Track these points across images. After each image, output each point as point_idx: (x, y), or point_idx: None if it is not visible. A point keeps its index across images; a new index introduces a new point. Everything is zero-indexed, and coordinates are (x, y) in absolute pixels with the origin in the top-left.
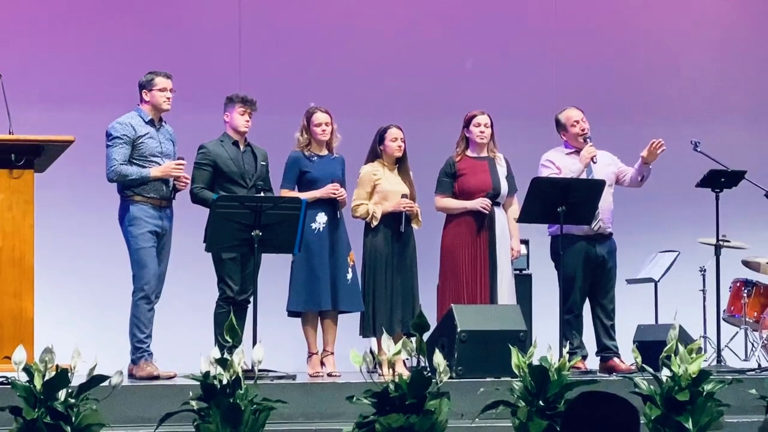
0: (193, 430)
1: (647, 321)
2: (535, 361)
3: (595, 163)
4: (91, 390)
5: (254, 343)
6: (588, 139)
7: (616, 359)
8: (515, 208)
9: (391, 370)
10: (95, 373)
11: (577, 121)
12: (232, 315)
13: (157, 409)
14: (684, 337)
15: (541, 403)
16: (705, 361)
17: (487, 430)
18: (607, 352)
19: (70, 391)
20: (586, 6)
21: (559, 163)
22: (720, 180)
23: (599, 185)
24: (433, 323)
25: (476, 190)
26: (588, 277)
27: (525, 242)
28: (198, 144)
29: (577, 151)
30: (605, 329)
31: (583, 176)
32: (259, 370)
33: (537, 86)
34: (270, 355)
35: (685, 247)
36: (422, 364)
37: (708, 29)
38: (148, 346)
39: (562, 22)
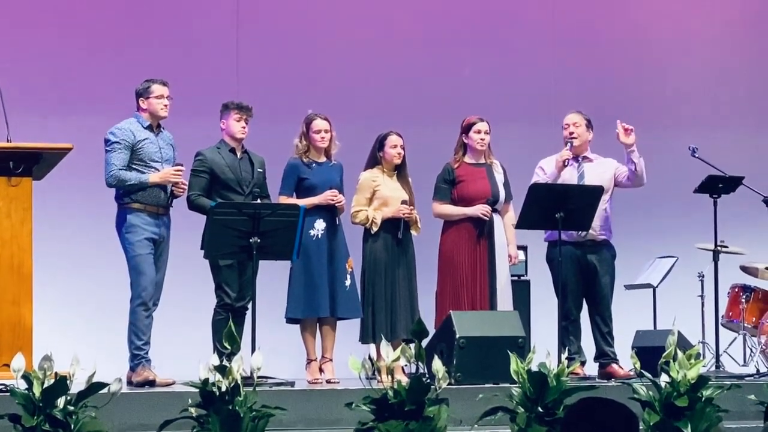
0: None
1: (646, 327)
2: (534, 367)
3: (566, 166)
4: (90, 397)
5: (253, 349)
6: (569, 144)
7: (614, 365)
8: (511, 215)
9: (389, 376)
10: (94, 380)
11: (568, 125)
12: (231, 322)
13: (156, 417)
14: (682, 343)
15: (540, 409)
16: (704, 366)
17: None
18: (605, 358)
19: (69, 398)
20: (584, 12)
21: (547, 168)
22: (718, 185)
23: (597, 191)
24: (431, 329)
25: (476, 196)
26: (581, 283)
27: (523, 248)
28: (196, 151)
29: (573, 157)
30: (603, 335)
31: (572, 181)
32: (258, 377)
33: (535, 92)
34: (269, 362)
35: (683, 253)
36: (421, 370)
37: (707, 35)
38: (147, 353)
39: (561, 28)
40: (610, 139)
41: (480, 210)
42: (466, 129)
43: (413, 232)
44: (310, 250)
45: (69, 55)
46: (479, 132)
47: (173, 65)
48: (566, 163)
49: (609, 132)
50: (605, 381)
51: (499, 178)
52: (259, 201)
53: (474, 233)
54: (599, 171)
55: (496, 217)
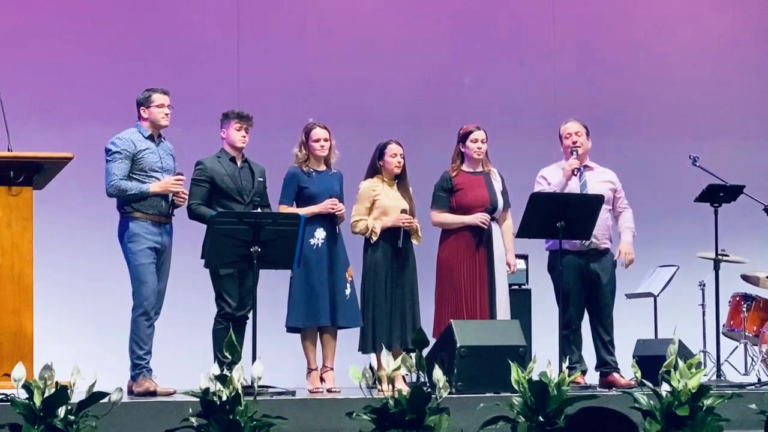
0: None
1: (647, 336)
2: (535, 377)
3: (575, 175)
4: (91, 407)
5: (254, 359)
6: (574, 152)
7: (615, 374)
8: (509, 223)
9: (390, 385)
10: (95, 390)
11: (570, 134)
12: (231, 331)
13: (156, 426)
14: (683, 352)
15: (540, 418)
16: (705, 375)
17: None
18: (606, 367)
19: (69, 408)
20: (583, 21)
21: (551, 178)
22: (719, 194)
23: (598, 201)
24: (430, 337)
25: (474, 204)
26: (583, 292)
27: (524, 257)
28: (196, 160)
29: None
30: (604, 344)
31: (575, 190)
32: (259, 387)
33: (535, 101)
34: (269, 371)
35: (684, 262)
36: (422, 379)
37: (707, 43)
38: (148, 363)
39: (560, 37)
40: (608, 146)
41: (478, 218)
42: (463, 138)
43: (414, 241)
44: (310, 259)
45: (70, 65)
46: (476, 141)
47: (174, 74)
48: (575, 173)
49: (608, 141)
50: (606, 390)
51: (497, 186)
52: (259, 210)
53: (473, 242)
54: (601, 180)
55: (495, 226)
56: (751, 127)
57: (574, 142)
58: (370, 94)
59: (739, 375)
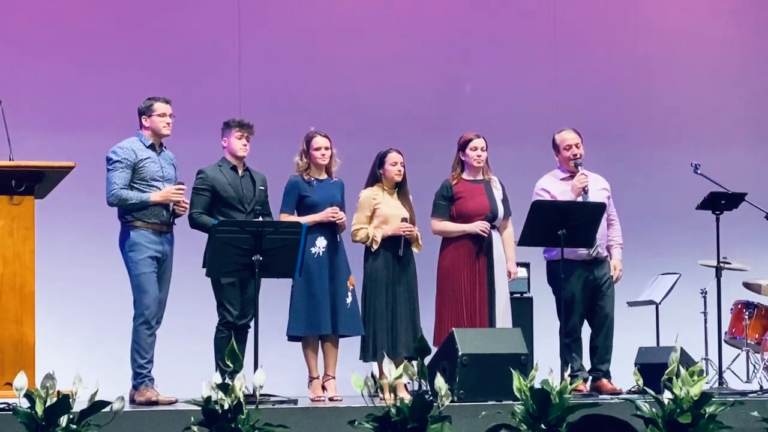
0: None
1: (649, 343)
2: (537, 384)
3: (586, 193)
4: (93, 416)
5: (255, 367)
6: (578, 166)
7: (604, 380)
8: (510, 231)
9: (392, 394)
10: (97, 398)
11: (570, 146)
12: (233, 340)
13: None
14: (685, 360)
15: (543, 426)
16: (707, 383)
17: None
18: (596, 373)
19: (71, 417)
20: (585, 29)
21: (554, 191)
22: (720, 202)
23: (600, 209)
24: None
25: (475, 213)
26: (586, 300)
27: (526, 265)
28: (197, 169)
29: (572, 176)
30: (603, 350)
31: (578, 198)
32: (261, 395)
33: (536, 109)
34: (271, 380)
35: (686, 270)
36: (424, 387)
37: (708, 51)
38: (149, 372)
39: (562, 45)
40: (609, 153)
41: (479, 227)
42: (463, 146)
43: (415, 250)
44: (311, 267)
45: (71, 74)
46: (476, 149)
47: (175, 83)
48: (586, 189)
49: (610, 147)
50: (608, 398)
51: (498, 194)
52: (261, 219)
53: (473, 250)
54: (599, 188)
55: (495, 234)
56: (753, 134)
57: (575, 155)
58: (370, 102)
59: (741, 383)
